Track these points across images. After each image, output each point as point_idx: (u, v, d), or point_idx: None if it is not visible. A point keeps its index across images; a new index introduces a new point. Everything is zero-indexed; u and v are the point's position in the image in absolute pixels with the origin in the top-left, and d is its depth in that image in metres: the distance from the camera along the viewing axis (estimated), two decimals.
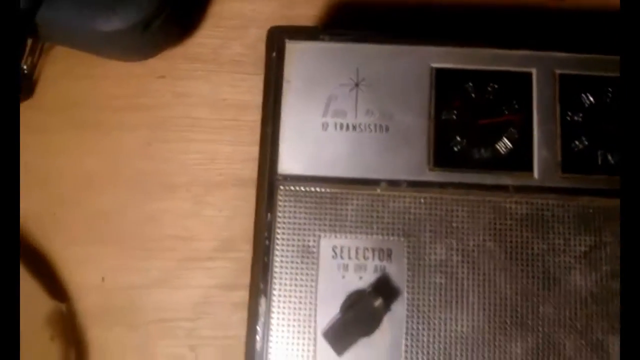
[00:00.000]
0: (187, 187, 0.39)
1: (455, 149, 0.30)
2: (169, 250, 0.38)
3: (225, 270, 0.38)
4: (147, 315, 0.38)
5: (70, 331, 0.37)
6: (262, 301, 0.29)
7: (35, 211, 0.38)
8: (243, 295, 0.31)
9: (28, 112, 0.39)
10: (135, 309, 0.38)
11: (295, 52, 0.30)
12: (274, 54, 0.31)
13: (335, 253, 0.29)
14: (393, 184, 0.29)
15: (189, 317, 0.38)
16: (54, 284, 0.38)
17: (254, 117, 0.33)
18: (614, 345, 0.28)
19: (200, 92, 0.40)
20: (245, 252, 0.33)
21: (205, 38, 0.40)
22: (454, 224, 0.29)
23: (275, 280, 0.29)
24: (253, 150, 0.33)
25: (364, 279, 0.29)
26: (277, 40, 0.31)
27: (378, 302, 0.27)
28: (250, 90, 0.39)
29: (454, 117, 0.30)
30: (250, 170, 0.33)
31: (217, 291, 0.38)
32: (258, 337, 0.29)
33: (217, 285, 0.38)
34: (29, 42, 0.38)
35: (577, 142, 0.30)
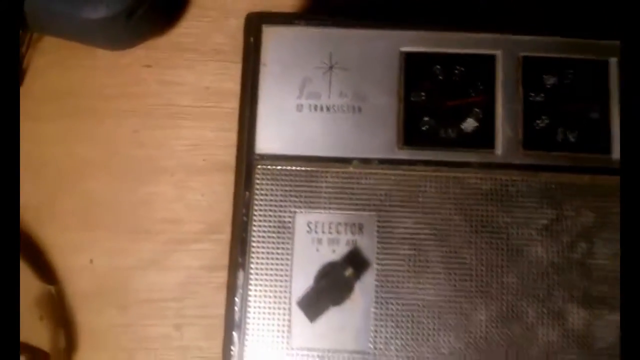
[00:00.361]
0: (173, 172, 0.40)
1: (424, 128, 0.31)
2: (157, 233, 0.40)
3: (210, 252, 0.40)
4: (135, 296, 0.40)
5: (59, 312, 0.39)
6: (240, 274, 0.30)
7: (28, 197, 0.39)
8: (226, 276, 0.33)
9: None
10: (123, 290, 0.40)
11: (272, 37, 0.32)
12: (252, 39, 0.32)
13: (310, 228, 0.30)
14: (365, 162, 0.31)
15: (175, 298, 0.39)
16: (43, 267, 0.40)
17: (236, 104, 0.35)
18: (573, 313, 0.29)
19: (185, 80, 0.41)
20: (229, 235, 0.35)
21: (188, 28, 0.42)
22: (422, 199, 0.30)
23: (252, 255, 0.30)
24: (235, 137, 0.34)
25: (337, 252, 0.30)
26: (254, 25, 0.32)
27: (348, 272, 0.29)
28: (232, 79, 0.40)
29: (423, 98, 0.32)
30: (233, 155, 0.34)
31: (202, 272, 0.39)
32: (236, 308, 0.30)
33: (202, 266, 0.39)
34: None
35: (538, 121, 0.31)
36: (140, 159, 0.40)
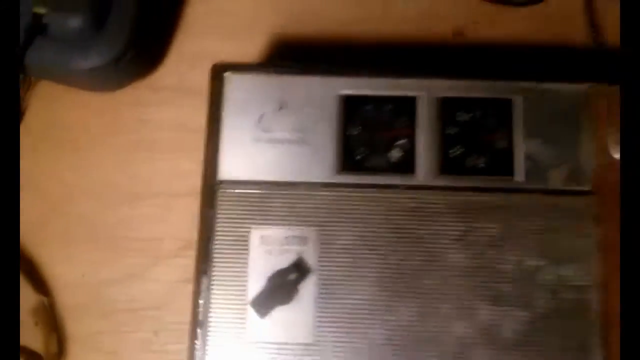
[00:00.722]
0: (153, 198, 0.45)
1: (358, 157, 0.38)
2: (139, 250, 0.44)
3: (186, 267, 0.44)
4: (118, 306, 0.44)
5: (51, 320, 0.43)
6: (204, 280, 0.36)
7: (24, 218, 0.43)
8: None
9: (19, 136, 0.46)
10: (107, 301, 0.44)
11: (233, 82, 0.38)
12: (217, 85, 0.38)
13: (263, 241, 0.36)
14: (309, 185, 0.37)
15: (154, 307, 0.44)
16: (38, 280, 0.44)
17: None
18: (481, 309, 0.35)
19: (164, 117, 0.46)
20: None
21: (167, 72, 0.47)
22: (357, 216, 0.36)
23: (214, 264, 0.36)
24: None
25: (285, 261, 0.36)
26: (218, 73, 0.38)
27: (293, 277, 0.34)
28: (204, 116, 0.45)
29: (357, 132, 0.38)
30: None
31: (179, 284, 0.43)
32: (200, 309, 0.36)
33: (179, 279, 0.43)
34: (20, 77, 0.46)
35: (452, 150, 0.37)
36: (123, 185, 0.45)
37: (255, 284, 0.35)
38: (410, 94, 0.38)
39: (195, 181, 0.44)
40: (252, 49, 0.46)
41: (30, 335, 0.43)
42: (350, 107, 0.38)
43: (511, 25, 0.46)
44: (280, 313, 0.35)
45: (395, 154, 0.37)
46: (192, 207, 0.44)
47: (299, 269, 0.35)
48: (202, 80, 0.45)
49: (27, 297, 0.43)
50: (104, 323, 0.44)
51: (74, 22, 0.40)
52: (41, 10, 0.40)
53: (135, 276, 0.44)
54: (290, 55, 0.46)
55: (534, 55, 0.45)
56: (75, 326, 0.44)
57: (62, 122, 0.47)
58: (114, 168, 0.46)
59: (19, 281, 0.41)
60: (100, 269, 0.44)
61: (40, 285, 0.44)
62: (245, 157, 0.37)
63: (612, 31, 0.46)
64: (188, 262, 0.43)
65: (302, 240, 0.36)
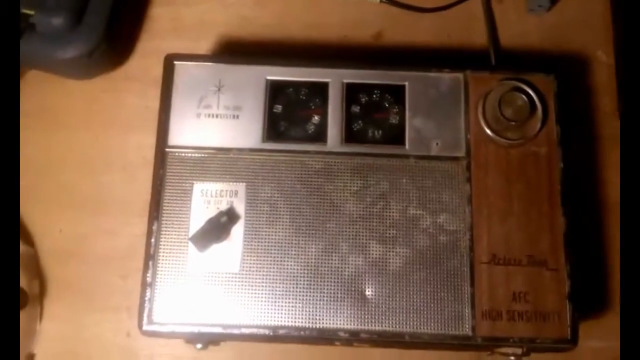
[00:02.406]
0: (121, 166, 0.54)
1: (281, 129, 0.47)
2: (110, 210, 0.53)
3: None
4: (91, 255, 0.52)
5: (35, 266, 0.51)
6: (155, 223, 0.45)
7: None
8: None
9: None
10: (82, 251, 0.52)
11: (181, 69, 0.48)
12: (168, 70, 0.48)
13: (203, 193, 0.45)
14: (240, 150, 0.46)
15: (121, 257, 0.52)
16: (25, 233, 0.52)
17: None
18: (372, 248, 0.44)
19: (133, 102, 0.55)
20: None
21: (135, 64, 0.55)
22: (278, 175, 0.46)
23: (164, 211, 0.45)
24: None
25: (220, 208, 0.45)
26: (170, 61, 0.48)
27: (224, 219, 0.44)
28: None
29: (280, 109, 0.47)
30: None
31: (142, 238, 0.47)
32: (152, 245, 0.45)
33: (143, 233, 0.48)
34: None
35: (355, 125, 0.47)
36: (98, 157, 0.54)
37: (196, 226, 0.44)
38: (323, 80, 0.47)
39: None
40: (202, 45, 0.56)
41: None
42: (275, 89, 0.47)
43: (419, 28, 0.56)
44: (214, 249, 0.44)
45: (310, 127, 0.47)
46: (151, 171, 0.49)
47: (230, 215, 0.45)
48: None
49: None
50: (78, 269, 0.52)
51: (56, 21, 0.49)
52: (29, 11, 0.49)
53: (106, 231, 0.52)
54: (231, 51, 0.55)
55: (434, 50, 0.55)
56: (54, 272, 0.52)
57: (48, 104, 0.55)
58: (91, 143, 0.54)
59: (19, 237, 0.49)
60: (77, 225, 0.53)
61: (26, 237, 0.52)
62: (190, 128, 0.47)
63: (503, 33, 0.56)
64: None
65: (234, 193, 0.45)
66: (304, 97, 0.47)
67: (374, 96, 0.47)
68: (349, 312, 0.43)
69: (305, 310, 0.43)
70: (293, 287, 0.44)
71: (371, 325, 0.43)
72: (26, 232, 0.53)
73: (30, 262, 0.52)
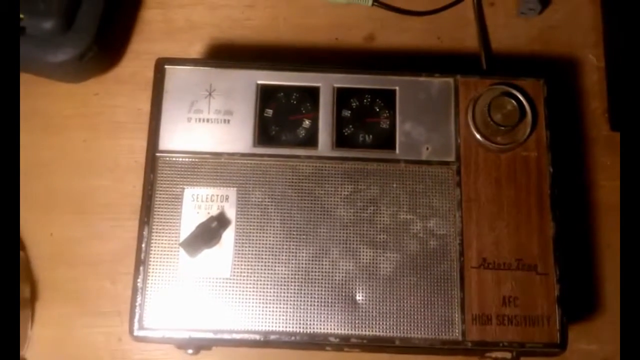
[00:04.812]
0: (112, 169, 0.54)
1: (272, 134, 0.47)
2: (99, 213, 0.53)
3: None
4: (81, 259, 0.52)
5: (26, 270, 0.51)
6: (146, 228, 0.45)
7: None
8: None
9: None
10: (71, 255, 0.52)
11: (172, 73, 0.48)
12: (159, 75, 0.48)
13: (194, 198, 0.46)
14: (231, 155, 0.46)
15: (111, 260, 0.52)
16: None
17: None
18: (362, 252, 0.44)
19: (123, 105, 0.55)
20: None
21: (126, 68, 0.55)
22: (268, 179, 0.46)
23: (154, 215, 0.45)
24: None
25: (210, 213, 0.45)
26: (160, 65, 0.48)
27: (214, 225, 0.44)
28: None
29: (271, 114, 0.47)
30: None
31: (132, 241, 0.47)
32: (143, 250, 0.45)
33: (132, 237, 0.48)
34: None
35: (346, 129, 0.47)
36: (88, 160, 0.54)
37: (186, 231, 0.44)
38: (314, 84, 0.47)
39: None
40: (194, 48, 0.56)
41: None
42: (266, 94, 0.47)
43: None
44: (205, 254, 0.44)
45: (301, 132, 0.47)
46: (142, 177, 0.50)
47: (221, 220, 0.45)
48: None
49: None
50: (69, 273, 0.52)
51: (47, 25, 0.49)
52: (20, 15, 0.49)
53: (96, 235, 0.52)
54: (221, 54, 0.55)
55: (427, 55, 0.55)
56: (44, 275, 0.52)
57: (39, 107, 0.55)
58: (82, 146, 0.54)
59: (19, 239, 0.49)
60: (67, 229, 0.53)
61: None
62: (180, 132, 0.47)
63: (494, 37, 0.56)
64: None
65: (224, 197, 0.45)
66: (294, 102, 0.47)
67: (365, 101, 0.47)
68: (339, 317, 0.43)
69: (296, 315, 0.43)
70: (284, 292, 0.44)
71: (362, 330, 0.43)
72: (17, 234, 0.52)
73: (22, 266, 0.52)
